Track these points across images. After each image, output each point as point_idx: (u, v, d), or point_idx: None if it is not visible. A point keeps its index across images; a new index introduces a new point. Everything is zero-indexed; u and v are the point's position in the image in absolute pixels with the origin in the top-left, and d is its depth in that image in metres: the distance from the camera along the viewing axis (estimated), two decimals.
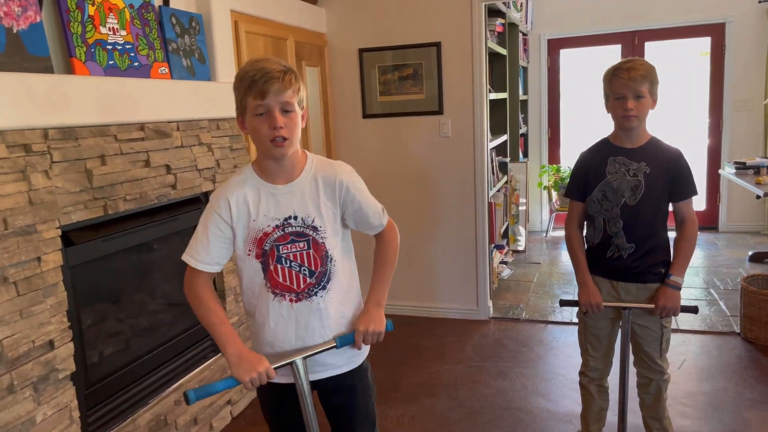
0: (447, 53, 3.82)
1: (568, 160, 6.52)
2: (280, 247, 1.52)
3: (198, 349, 2.73)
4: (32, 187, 1.84)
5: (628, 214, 2.06)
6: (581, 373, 2.32)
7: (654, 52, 6.13)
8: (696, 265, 5.00)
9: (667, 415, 2.27)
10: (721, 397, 2.85)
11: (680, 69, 6.13)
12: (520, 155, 6.03)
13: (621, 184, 2.07)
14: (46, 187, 1.89)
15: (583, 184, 2.17)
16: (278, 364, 1.49)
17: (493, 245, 4.31)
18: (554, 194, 6.38)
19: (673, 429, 2.30)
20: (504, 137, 5.02)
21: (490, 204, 4.09)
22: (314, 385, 1.60)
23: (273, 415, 1.69)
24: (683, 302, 2.07)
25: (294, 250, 1.53)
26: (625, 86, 1.98)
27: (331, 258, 1.56)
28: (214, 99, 2.71)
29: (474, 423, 2.73)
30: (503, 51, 4.77)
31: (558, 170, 6.35)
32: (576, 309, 2.35)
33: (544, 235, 6.45)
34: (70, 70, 2.06)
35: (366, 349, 1.67)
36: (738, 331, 3.58)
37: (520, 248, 5.72)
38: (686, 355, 3.34)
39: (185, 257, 1.54)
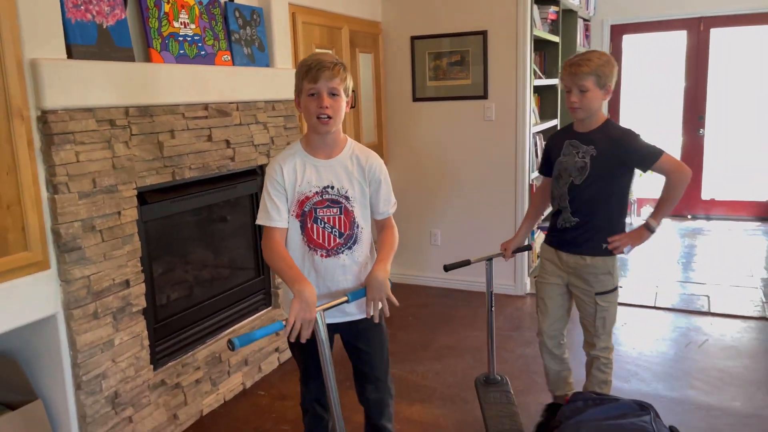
0: (493, 41, 4.03)
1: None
2: (318, 210, 1.85)
3: (251, 301, 3.15)
4: (115, 155, 2.27)
5: (575, 192, 2.27)
6: (538, 334, 2.51)
7: (720, 38, 6.03)
8: (749, 254, 4.99)
9: (607, 390, 2.39)
10: (735, 374, 2.98)
11: (748, 57, 6.00)
12: None
13: (569, 165, 2.28)
14: (126, 155, 2.32)
15: (547, 161, 2.44)
16: (322, 308, 1.77)
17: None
18: None
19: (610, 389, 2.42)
20: (554, 122, 5.16)
21: (531, 185, 4.29)
22: (336, 327, 1.94)
23: (301, 355, 2.00)
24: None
25: (329, 213, 1.85)
26: (570, 81, 2.17)
27: (358, 225, 1.89)
28: (270, 83, 3.09)
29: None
30: (555, 38, 4.90)
31: None
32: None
33: None
34: (148, 58, 2.47)
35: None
36: None
37: None
38: (711, 335, 3.45)
39: (260, 221, 1.86)
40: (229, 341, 1.60)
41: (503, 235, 4.18)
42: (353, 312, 1.94)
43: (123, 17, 2.34)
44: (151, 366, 2.51)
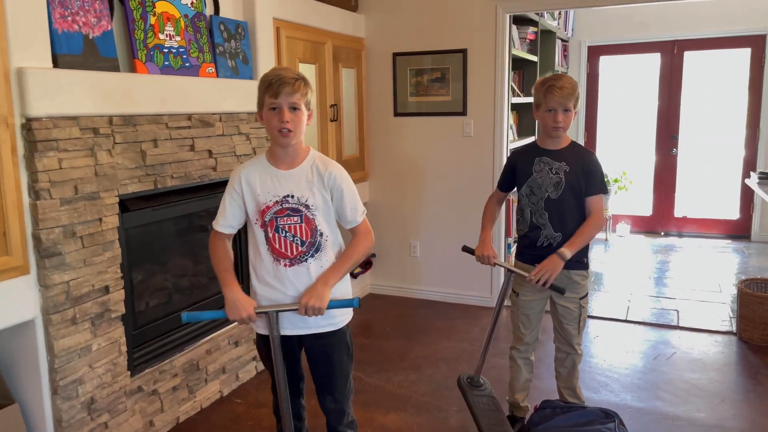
0: (472, 59, 4.14)
1: (603, 164, 6.65)
2: (279, 219, 1.89)
3: None
4: (98, 162, 2.31)
5: (552, 207, 2.40)
6: (512, 348, 2.63)
7: (693, 61, 6.22)
8: (719, 271, 5.13)
9: (579, 386, 2.59)
10: (700, 386, 3.08)
11: (719, 79, 6.20)
12: None
13: (545, 180, 2.40)
14: (109, 162, 2.36)
15: (510, 179, 2.55)
16: (258, 310, 1.85)
17: (511, 238, 4.60)
18: None
19: (584, 397, 2.61)
20: (532, 138, 5.28)
21: (508, 200, 4.38)
22: (300, 339, 1.97)
23: (266, 361, 2.02)
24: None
25: (289, 222, 1.89)
26: (557, 102, 2.30)
27: (321, 233, 1.91)
28: (253, 95, 3.06)
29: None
30: (533, 58, 5.03)
31: None
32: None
33: None
34: (132, 69, 2.52)
35: (347, 316, 2.01)
36: (735, 331, 3.76)
37: None
38: (679, 348, 3.55)
39: (213, 224, 1.98)
40: (181, 316, 1.83)
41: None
42: (321, 324, 1.94)
43: (109, 28, 2.39)
44: (129, 372, 2.53)
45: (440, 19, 4.19)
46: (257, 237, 1.93)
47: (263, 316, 1.88)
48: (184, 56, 2.76)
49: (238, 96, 3.04)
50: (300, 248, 1.90)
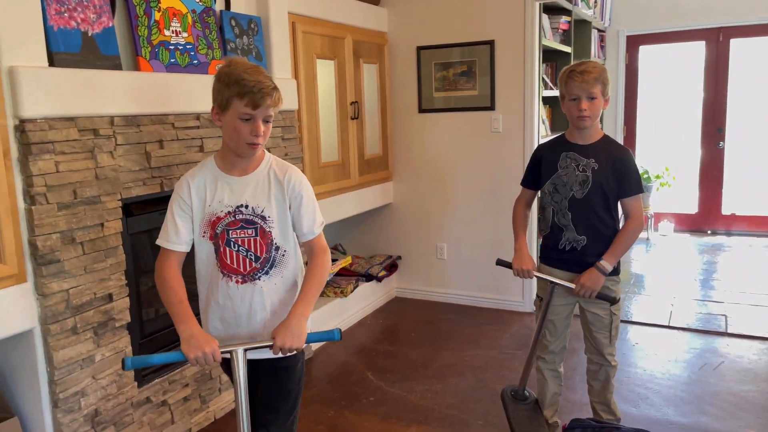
0: (500, 51, 3.94)
1: (643, 159, 6.36)
2: (230, 231, 1.68)
3: None
4: (98, 165, 2.21)
5: (576, 207, 2.19)
6: (539, 358, 2.43)
7: (740, 49, 5.86)
8: None
9: (614, 400, 2.37)
10: (750, 399, 2.81)
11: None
12: None
13: (570, 178, 2.19)
14: (111, 165, 2.26)
15: (536, 175, 2.32)
16: (223, 350, 1.57)
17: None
18: None
19: (619, 412, 2.40)
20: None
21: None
22: (250, 362, 1.66)
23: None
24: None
25: (243, 236, 1.68)
26: (580, 88, 2.10)
27: (278, 247, 1.71)
28: None
29: (492, 403, 2.87)
30: (566, 48, 4.79)
31: None
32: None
33: None
34: (136, 67, 2.42)
35: (300, 347, 1.68)
36: None
37: None
38: (727, 357, 3.28)
39: (159, 241, 1.70)
40: (123, 360, 1.49)
41: (511, 248, 4.06)
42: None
43: (110, 25, 2.29)
44: (136, 383, 2.43)
45: (466, 9, 3.99)
46: (204, 251, 1.72)
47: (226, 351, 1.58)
48: (192, 53, 2.65)
49: None
50: (253, 264, 1.69)
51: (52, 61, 2.08)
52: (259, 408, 1.77)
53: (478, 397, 2.95)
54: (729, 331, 3.64)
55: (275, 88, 1.63)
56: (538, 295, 2.40)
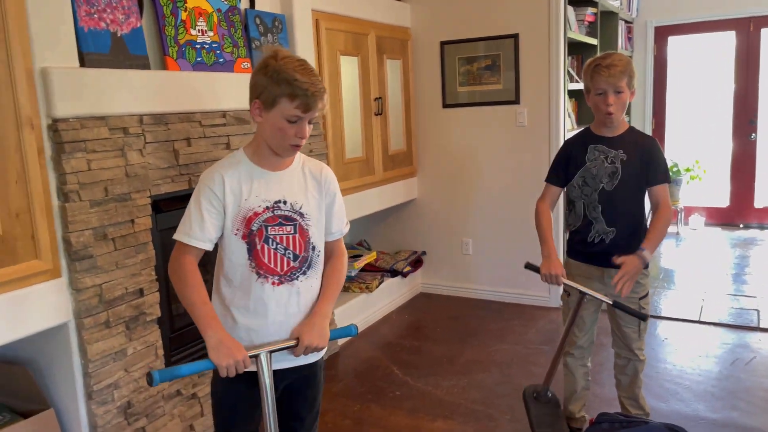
0: (524, 44, 3.91)
1: (673, 152, 6.25)
2: (269, 228, 1.57)
3: None
4: (128, 163, 2.26)
5: (606, 199, 2.16)
6: (566, 353, 2.41)
7: None
8: None
9: (642, 395, 2.34)
10: None
11: None
12: None
13: (599, 170, 2.16)
14: (140, 162, 2.31)
15: (563, 171, 2.27)
16: (250, 353, 1.47)
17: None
18: None
19: (648, 408, 2.37)
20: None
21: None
22: (276, 372, 1.59)
23: (231, 414, 1.70)
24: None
25: (281, 233, 1.58)
26: (606, 82, 2.07)
27: (314, 247, 1.64)
28: None
29: (518, 398, 2.86)
30: (592, 41, 4.73)
31: None
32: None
33: None
34: (163, 66, 2.47)
35: (325, 348, 1.67)
36: None
37: None
38: (759, 352, 3.22)
39: (176, 236, 1.55)
40: (149, 374, 1.36)
41: (537, 243, 4.04)
42: (306, 356, 1.64)
43: (138, 25, 2.34)
44: None
45: (489, 3, 3.97)
46: (235, 251, 1.58)
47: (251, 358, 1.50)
48: (218, 52, 2.69)
49: None
50: (292, 263, 1.60)
51: (82, 62, 2.13)
52: (284, 416, 1.69)
53: (503, 392, 2.95)
54: (762, 326, 3.57)
55: (325, 90, 1.55)
56: (565, 290, 2.39)
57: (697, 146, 6.21)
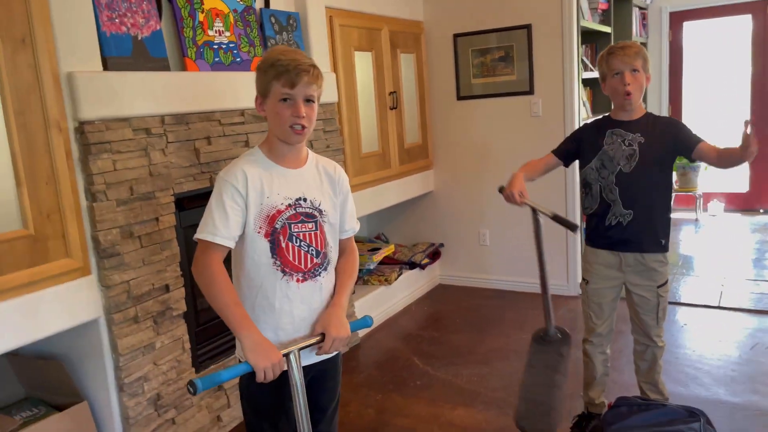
0: (537, 34, 3.92)
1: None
2: (292, 225, 1.59)
3: None
4: (152, 162, 2.33)
5: (624, 182, 2.18)
6: (585, 341, 2.44)
7: None
8: None
9: (662, 380, 2.36)
10: None
11: None
12: None
13: (617, 153, 2.18)
14: (163, 162, 2.37)
15: (571, 151, 2.35)
16: (282, 352, 1.49)
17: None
18: (674, 174, 6.11)
19: (667, 392, 2.39)
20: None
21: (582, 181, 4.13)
22: (309, 369, 1.65)
23: (264, 416, 1.71)
24: None
25: (304, 230, 1.60)
26: (622, 62, 2.11)
27: (329, 243, 1.67)
28: None
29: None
30: (606, 29, 4.71)
31: None
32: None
33: None
34: (183, 67, 2.53)
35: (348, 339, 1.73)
36: None
37: None
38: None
39: (200, 235, 1.53)
40: (191, 382, 1.35)
41: (555, 232, 4.06)
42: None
43: (158, 28, 2.40)
44: (193, 369, 2.55)
45: None
46: (257, 250, 1.58)
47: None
48: (235, 51, 2.75)
49: None
50: (315, 260, 1.63)
51: (105, 66, 2.19)
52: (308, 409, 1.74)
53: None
54: None
55: (313, 65, 1.56)
56: (583, 278, 2.42)
57: (714, 132, 6.16)
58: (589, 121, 2.39)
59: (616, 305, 2.40)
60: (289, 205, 1.60)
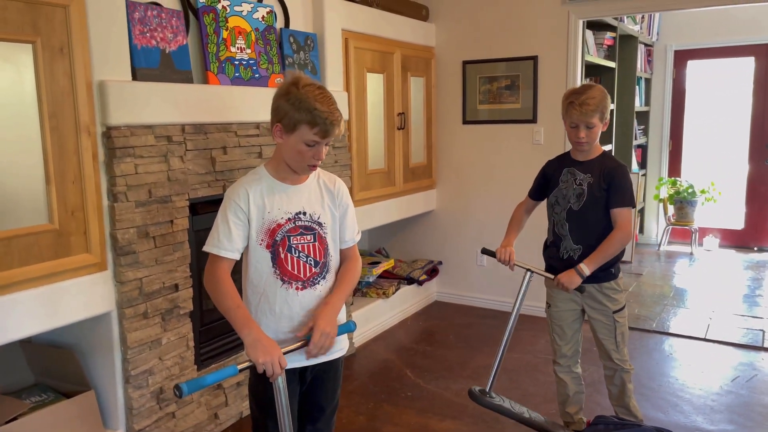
0: (543, 66, 4.08)
1: (689, 174, 6.36)
2: (291, 237, 1.73)
3: None
4: (170, 168, 2.47)
5: (573, 219, 2.36)
6: (554, 362, 2.57)
7: None
8: None
9: (634, 404, 2.49)
10: None
11: None
12: (634, 166, 6.02)
13: (569, 191, 2.37)
14: (181, 168, 2.52)
15: (540, 187, 2.53)
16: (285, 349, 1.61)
17: None
18: (671, 208, 6.26)
19: (641, 415, 2.51)
20: (609, 146, 5.12)
21: None
22: (303, 372, 1.80)
23: (266, 414, 1.78)
24: None
25: (303, 242, 1.74)
26: (578, 119, 2.26)
27: (330, 253, 1.80)
28: None
29: (524, 403, 2.99)
30: (611, 64, 4.88)
31: (675, 183, 6.23)
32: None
33: (657, 248, 6.34)
34: (205, 80, 2.68)
35: (347, 341, 1.91)
36: None
37: (625, 258, 5.73)
38: (761, 370, 3.33)
39: (206, 248, 1.70)
40: (176, 386, 1.43)
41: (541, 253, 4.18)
42: (333, 350, 1.79)
43: (184, 43, 2.56)
44: (195, 366, 2.67)
45: (511, 26, 4.16)
46: (260, 260, 1.73)
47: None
48: (254, 68, 2.90)
49: None
50: (313, 269, 1.76)
51: (134, 76, 2.35)
52: (307, 406, 1.88)
53: (510, 397, 3.08)
54: (766, 345, 3.67)
55: (342, 117, 1.70)
56: (547, 302, 2.56)
57: (713, 168, 6.31)
58: (553, 157, 2.56)
59: (579, 327, 2.53)
60: (289, 219, 1.74)
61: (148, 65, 2.40)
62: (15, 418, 2.18)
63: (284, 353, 1.61)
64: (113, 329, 2.35)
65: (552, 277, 2.36)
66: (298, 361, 1.74)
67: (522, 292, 2.45)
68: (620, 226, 2.30)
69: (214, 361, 2.81)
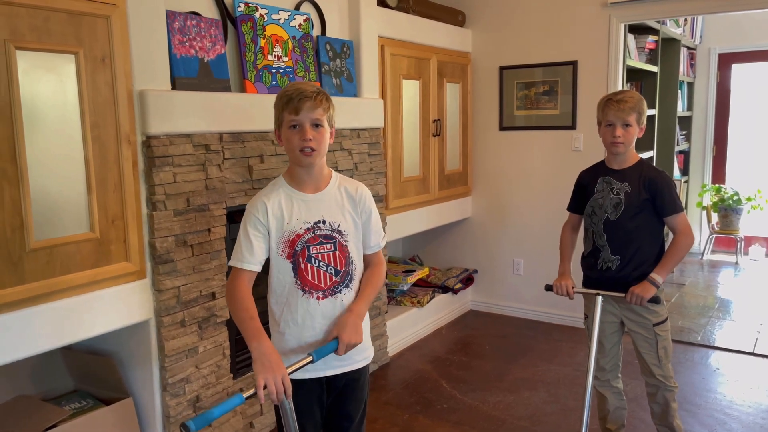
0: (583, 71, 3.99)
1: (734, 181, 6.15)
2: (311, 247, 1.72)
3: None
4: (208, 176, 2.48)
5: (610, 229, 2.27)
6: (593, 377, 2.43)
7: None
8: None
9: (678, 423, 2.38)
10: None
11: None
12: (676, 172, 5.85)
13: (605, 201, 2.28)
14: (218, 177, 2.52)
15: (580, 200, 2.42)
16: (290, 369, 1.56)
17: None
18: (714, 216, 6.06)
19: None
20: (650, 153, 4.98)
21: None
22: (328, 381, 1.79)
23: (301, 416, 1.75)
24: None
25: (323, 251, 1.73)
26: (615, 116, 2.19)
27: (353, 261, 1.78)
28: (356, 112, 3.23)
29: (564, 418, 2.93)
30: (653, 68, 4.75)
31: (720, 190, 6.03)
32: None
33: (700, 257, 6.15)
34: (243, 89, 2.69)
35: (372, 349, 1.89)
36: None
37: None
38: None
39: (231, 262, 1.73)
40: (183, 425, 1.36)
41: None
42: (357, 359, 1.81)
43: (222, 52, 2.57)
44: (231, 375, 2.67)
45: (549, 31, 4.08)
46: (282, 270, 1.74)
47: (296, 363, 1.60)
48: (291, 76, 2.90)
49: (342, 113, 3.10)
50: (334, 278, 1.75)
51: (173, 85, 2.36)
52: (336, 417, 1.87)
53: (549, 411, 3.02)
54: None
55: (319, 93, 1.70)
56: (585, 314, 2.47)
57: (759, 175, 6.09)
58: (586, 168, 2.48)
59: (619, 340, 2.44)
60: (308, 229, 1.73)
61: (186, 74, 2.41)
62: (55, 425, 2.20)
63: (289, 373, 1.55)
64: (151, 337, 2.36)
65: (622, 295, 2.23)
66: (323, 369, 1.74)
67: (597, 318, 2.31)
68: (682, 231, 2.23)
69: (249, 369, 2.80)
